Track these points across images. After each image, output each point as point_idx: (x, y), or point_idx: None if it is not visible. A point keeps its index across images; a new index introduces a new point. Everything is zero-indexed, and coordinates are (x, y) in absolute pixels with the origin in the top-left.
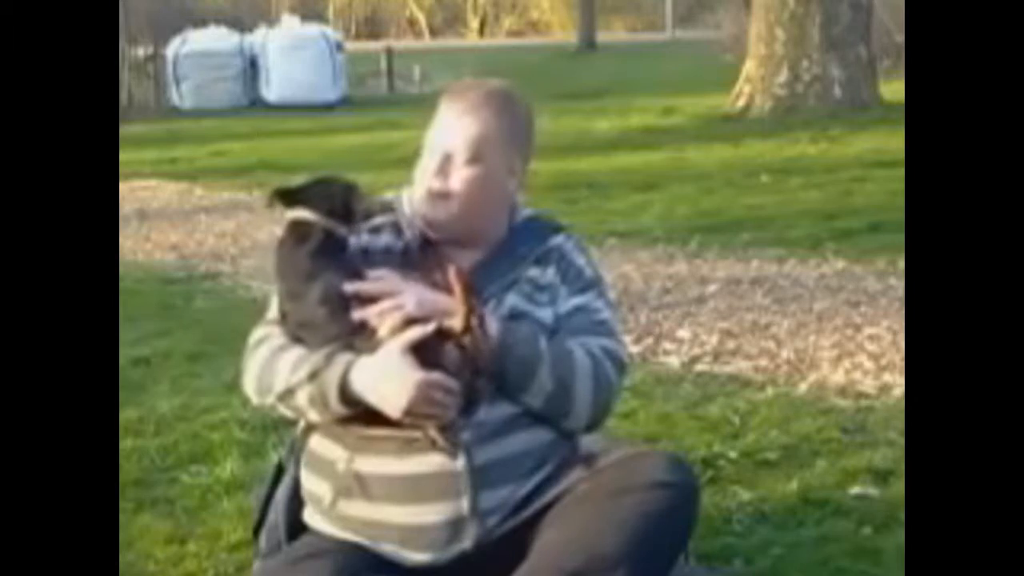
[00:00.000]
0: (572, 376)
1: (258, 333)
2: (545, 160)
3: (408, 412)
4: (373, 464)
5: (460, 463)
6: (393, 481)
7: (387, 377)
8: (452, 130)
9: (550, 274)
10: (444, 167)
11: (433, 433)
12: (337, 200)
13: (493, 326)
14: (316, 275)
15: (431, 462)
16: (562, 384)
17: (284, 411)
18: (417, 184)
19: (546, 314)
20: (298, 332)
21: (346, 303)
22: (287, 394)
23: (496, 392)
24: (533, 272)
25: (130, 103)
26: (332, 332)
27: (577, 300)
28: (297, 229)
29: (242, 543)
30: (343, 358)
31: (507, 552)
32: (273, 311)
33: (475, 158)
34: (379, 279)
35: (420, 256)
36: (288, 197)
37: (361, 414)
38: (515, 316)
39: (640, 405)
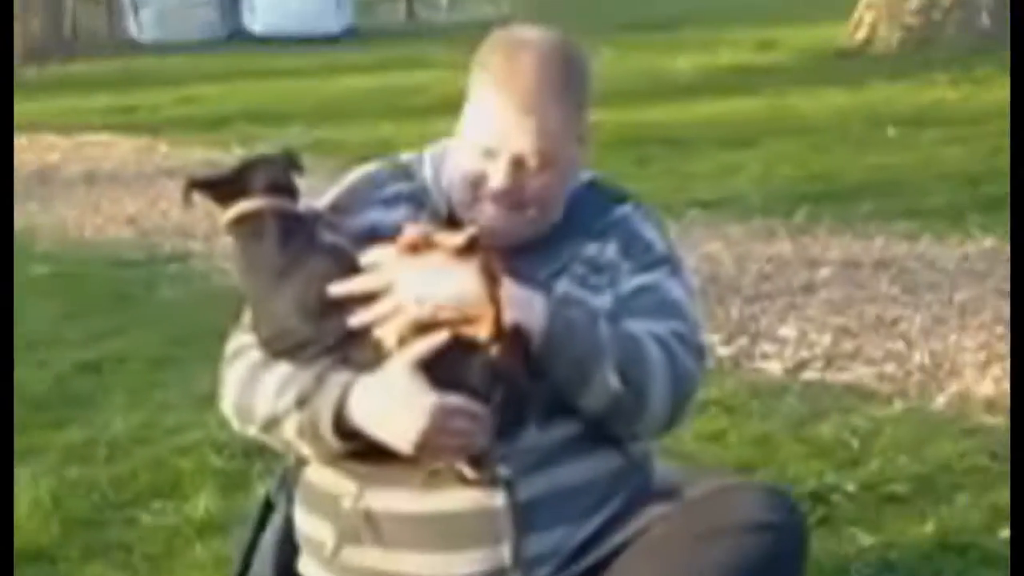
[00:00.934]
0: (642, 370)
1: (236, 341)
2: (609, 109)
3: (422, 447)
4: (388, 500)
5: (500, 499)
6: (414, 522)
7: (393, 403)
8: (517, 129)
9: (610, 251)
10: (514, 173)
11: (461, 464)
12: (278, 173)
13: (537, 318)
14: (286, 272)
15: (462, 498)
16: (630, 381)
17: (271, 443)
18: (460, 175)
19: (603, 300)
20: (274, 347)
21: (331, 303)
22: (271, 423)
23: (546, 408)
24: (591, 250)
25: (75, 34)
26: (315, 343)
27: (643, 278)
28: (243, 224)
29: None
30: (338, 379)
31: None
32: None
33: (550, 160)
34: (372, 267)
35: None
36: (213, 187)
37: (368, 444)
38: (563, 303)
39: (731, 424)
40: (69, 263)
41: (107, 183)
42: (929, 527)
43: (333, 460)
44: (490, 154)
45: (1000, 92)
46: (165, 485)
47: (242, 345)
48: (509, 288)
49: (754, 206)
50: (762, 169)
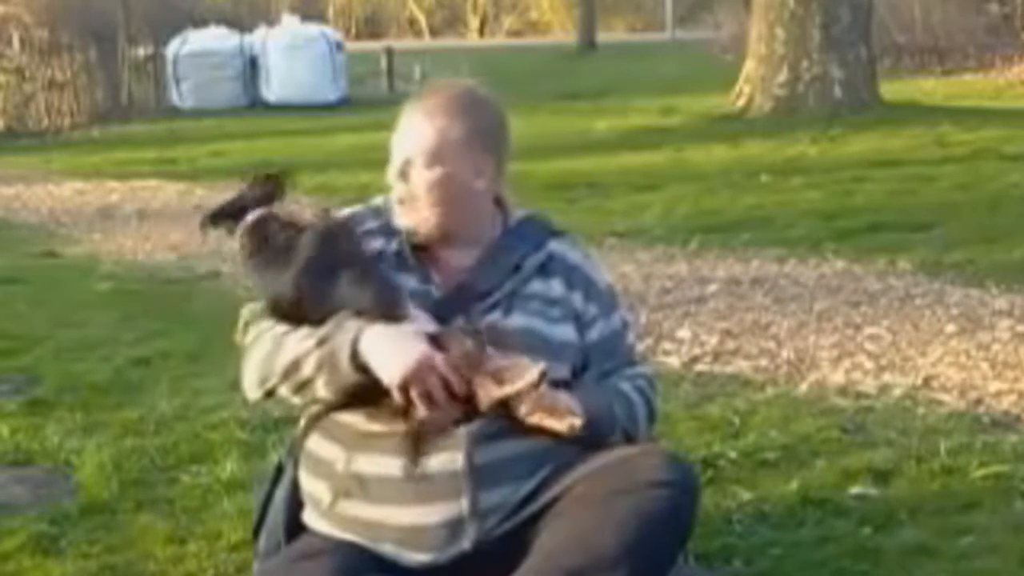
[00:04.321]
0: (635, 424)
1: (256, 329)
2: (545, 160)
3: (402, 386)
4: (372, 464)
5: (460, 463)
6: (393, 481)
7: (394, 345)
8: (410, 135)
9: (557, 286)
10: (405, 172)
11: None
12: (268, 190)
13: (576, 416)
14: (287, 260)
15: (431, 463)
16: (627, 433)
17: (285, 393)
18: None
19: (563, 331)
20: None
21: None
22: (293, 367)
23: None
24: (537, 286)
25: (130, 103)
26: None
27: (612, 323)
28: (252, 235)
29: (242, 543)
30: (355, 323)
31: (507, 552)
32: (261, 314)
33: (433, 161)
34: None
35: (414, 259)
36: (223, 215)
37: (361, 407)
38: (528, 334)
39: None
40: (126, 280)
41: (155, 218)
42: (794, 485)
43: (340, 392)
44: (393, 158)
45: (850, 148)
46: (200, 453)
47: (262, 330)
48: (556, 395)
49: (658, 236)
50: (664, 207)
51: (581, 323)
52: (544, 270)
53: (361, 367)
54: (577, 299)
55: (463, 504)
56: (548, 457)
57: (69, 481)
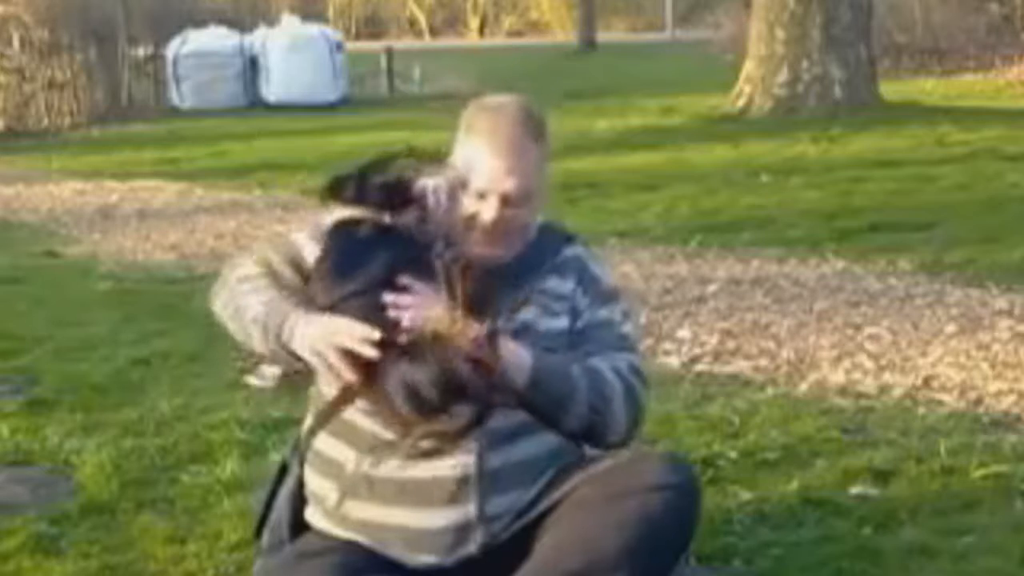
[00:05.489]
0: (607, 401)
1: (244, 269)
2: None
3: (314, 352)
4: (384, 467)
5: (472, 468)
6: (404, 484)
7: (309, 325)
8: (502, 175)
9: (568, 284)
10: (502, 212)
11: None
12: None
13: (524, 361)
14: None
15: (443, 466)
16: (597, 410)
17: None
18: (461, 216)
19: (562, 323)
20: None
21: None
22: (242, 311)
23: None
24: (551, 283)
25: (130, 103)
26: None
27: (602, 313)
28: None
29: (242, 543)
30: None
31: (510, 555)
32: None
33: (529, 197)
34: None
35: (444, 257)
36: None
37: (376, 418)
38: (527, 329)
39: None
40: (125, 280)
41: (155, 218)
42: (794, 485)
43: (344, 429)
44: (482, 195)
45: (850, 147)
46: (200, 453)
47: (248, 274)
48: (504, 341)
49: (658, 236)
50: (664, 207)
51: (575, 313)
52: (560, 270)
53: (286, 347)
54: (579, 293)
55: (471, 508)
56: (555, 461)
57: (69, 481)
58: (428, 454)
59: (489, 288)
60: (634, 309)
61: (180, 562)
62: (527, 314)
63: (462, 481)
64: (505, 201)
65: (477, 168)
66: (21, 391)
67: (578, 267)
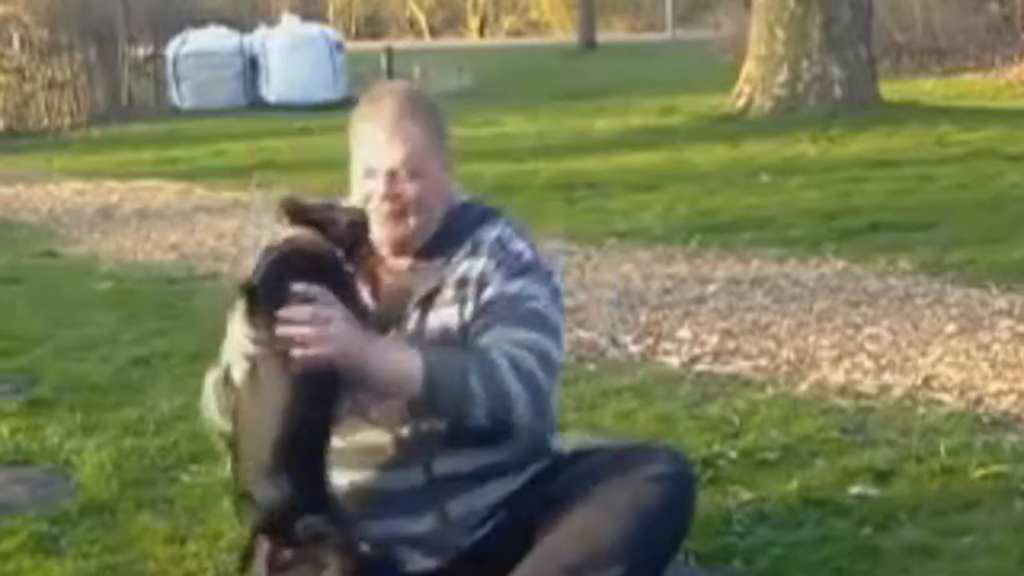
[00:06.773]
0: (506, 400)
1: (214, 375)
2: (546, 159)
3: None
4: (351, 477)
5: (421, 477)
6: (368, 493)
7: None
8: (387, 149)
9: (481, 264)
10: (391, 187)
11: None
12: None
13: (416, 370)
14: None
15: (393, 476)
16: (498, 409)
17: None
18: (360, 202)
19: (468, 308)
20: None
21: None
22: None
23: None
24: (463, 268)
25: (130, 103)
26: None
27: (509, 286)
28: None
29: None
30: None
31: (508, 549)
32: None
33: (418, 171)
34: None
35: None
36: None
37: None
38: (444, 332)
39: (640, 405)
40: (126, 280)
41: (155, 218)
42: (794, 485)
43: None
44: (371, 174)
45: (850, 148)
46: (200, 453)
47: (216, 377)
48: (389, 348)
49: (658, 236)
50: (664, 207)
51: (483, 289)
52: (475, 252)
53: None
54: (491, 267)
55: (434, 515)
56: (521, 467)
57: (69, 481)
58: (390, 465)
59: (396, 295)
60: (563, 288)
61: (180, 562)
62: (439, 313)
63: (419, 488)
64: (393, 175)
65: (365, 148)
66: (21, 391)
67: (495, 247)
